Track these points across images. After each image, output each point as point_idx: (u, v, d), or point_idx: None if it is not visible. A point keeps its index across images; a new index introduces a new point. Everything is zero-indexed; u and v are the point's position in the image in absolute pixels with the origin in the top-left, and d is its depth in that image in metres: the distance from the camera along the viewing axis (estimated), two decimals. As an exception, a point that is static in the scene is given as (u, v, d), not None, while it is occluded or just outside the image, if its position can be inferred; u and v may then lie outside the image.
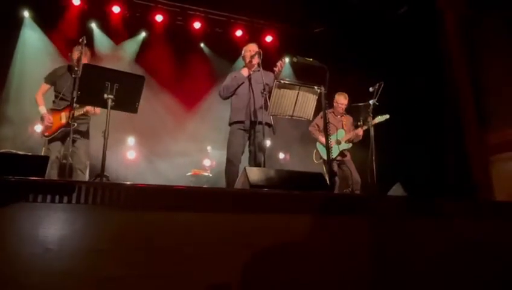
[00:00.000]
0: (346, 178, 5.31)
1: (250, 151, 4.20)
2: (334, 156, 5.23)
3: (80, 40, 3.96)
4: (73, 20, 6.82)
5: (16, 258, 1.49)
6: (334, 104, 5.55)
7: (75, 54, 4.28)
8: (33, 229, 1.54)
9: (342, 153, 5.34)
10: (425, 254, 2.06)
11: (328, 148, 3.49)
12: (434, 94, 5.45)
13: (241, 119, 4.15)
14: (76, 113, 4.25)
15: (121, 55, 7.15)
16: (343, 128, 5.45)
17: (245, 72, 4.31)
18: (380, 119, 5.12)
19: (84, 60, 4.20)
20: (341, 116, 5.54)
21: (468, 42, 4.67)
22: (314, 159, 5.56)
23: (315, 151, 5.56)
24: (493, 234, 2.22)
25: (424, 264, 2.04)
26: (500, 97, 4.45)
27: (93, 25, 7.03)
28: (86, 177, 4.38)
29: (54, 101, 4.37)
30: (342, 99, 5.48)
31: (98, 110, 4.29)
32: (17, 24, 6.54)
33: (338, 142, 5.35)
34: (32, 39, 6.59)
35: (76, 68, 4.07)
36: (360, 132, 5.20)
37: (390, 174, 4.59)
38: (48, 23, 6.63)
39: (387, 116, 5.15)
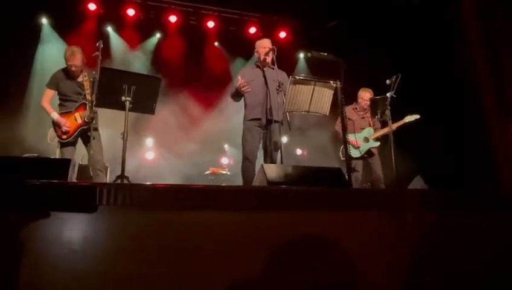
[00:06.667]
0: (370, 173, 5.26)
1: (265, 149, 4.15)
2: (362, 154, 5.19)
3: (97, 44, 4.01)
4: (90, 25, 6.96)
5: (42, 259, 1.53)
6: (359, 100, 5.44)
7: (76, 59, 4.21)
8: (58, 230, 1.58)
9: (369, 151, 5.28)
10: (447, 248, 2.03)
11: (346, 143, 3.46)
12: (454, 85, 5.33)
13: (257, 116, 4.10)
14: (89, 110, 4.27)
15: (136, 57, 7.24)
16: (370, 125, 5.38)
17: (256, 69, 4.30)
18: (409, 119, 5.03)
19: (76, 61, 4.17)
20: (365, 112, 5.44)
21: (487, 32, 4.54)
22: (340, 156, 5.49)
23: (342, 147, 5.47)
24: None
25: (446, 258, 2.01)
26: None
27: (109, 29, 7.16)
28: (106, 178, 4.38)
29: (61, 105, 4.29)
30: (367, 96, 5.34)
31: None
32: (36, 31, 6.69)
33: (366, 140, 5.28)
34: (51, 45, 6.71)
35: (75, 72, 4.17)
36: (389, 130, 5.09)
37: (410, 167, 4.52)
38: (65, 29, 6.76)
39: (418, 116, 5.03)
